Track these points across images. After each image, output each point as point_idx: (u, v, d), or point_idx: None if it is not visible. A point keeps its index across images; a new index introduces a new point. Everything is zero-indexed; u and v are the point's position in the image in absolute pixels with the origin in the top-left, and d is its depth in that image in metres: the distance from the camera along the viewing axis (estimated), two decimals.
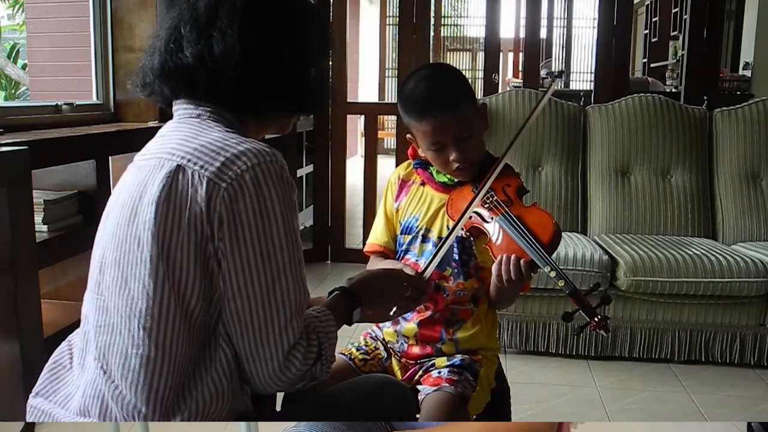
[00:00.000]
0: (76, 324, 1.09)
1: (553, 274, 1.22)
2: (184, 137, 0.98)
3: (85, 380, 0.99)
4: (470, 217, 1.34)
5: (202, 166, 0.93)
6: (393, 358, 1.45)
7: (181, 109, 1.05)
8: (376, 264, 1.45)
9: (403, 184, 1.48)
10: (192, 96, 1.03)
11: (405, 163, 1.50)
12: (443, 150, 1.34)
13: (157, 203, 0.93)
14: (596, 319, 1.21)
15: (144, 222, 0.94)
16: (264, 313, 0.93)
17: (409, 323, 1.40)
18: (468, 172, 1.37)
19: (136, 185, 0.98)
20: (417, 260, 1.40)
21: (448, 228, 1.38)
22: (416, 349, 1.41)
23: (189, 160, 0.94)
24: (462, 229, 1.34)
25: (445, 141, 1.32)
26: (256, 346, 0.94)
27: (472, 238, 1.36)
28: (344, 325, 1.11)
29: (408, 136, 1.43)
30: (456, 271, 1.37)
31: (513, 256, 1.25)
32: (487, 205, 1.33)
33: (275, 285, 0.93)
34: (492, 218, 1.32)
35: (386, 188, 1.50)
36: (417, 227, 1.41)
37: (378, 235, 1.48)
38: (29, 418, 1.04)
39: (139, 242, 0.94)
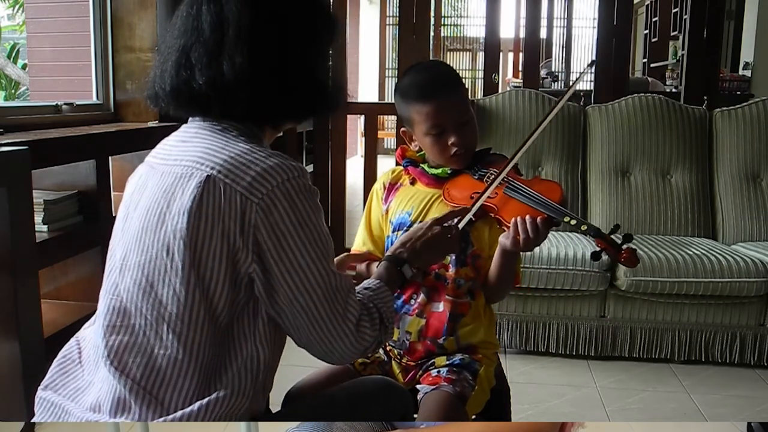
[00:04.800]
0: (75, 324, 1.09)
1: (573, 222, 1.24)
2: (209, 147, 1.00)
3: (99, 377, 1.00)
4: (471, 198, 1.35)
5: (233, 180, 0.96)
6: (393, 362, 1.45)
7: (199, 119, 1.07)
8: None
9: (391, 187, 1.50)
10: (209, 117, 1.06)
11: (389, 170, 1.52)
12: (443, 135, 1.37)
13: (190, 213, 0.95)
14: (623, 249, 1.23)
15: (175, 231, 0.96)
16: (328, 303, 1.01)
17: (413, 316, 1.39)
18: (464, 159, 1.41)
19: (161, 192, 1.00)
20: None
21: None
22: (418, 346, 1.39)
23: (219, 172, 0.96)
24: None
25: (446, 125, 1.36)
26: (329, 329, 1.02)
27: (474, 219, 1.36)
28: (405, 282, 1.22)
29: (402, 129, 1.46)
30: (452, 257, 1.38)
31: (528, 216, 1.27)
32: (489, 183, 1.35)
33: (329, 278, 1.01)
34: (496, 194, 1.34)
35: (371, 196, 1.52)
36: (410, 221, 1.41)
37: (360, 243, 1.50)
38: (38, 410, 1.05)
39: (169, 250, 0.97)
